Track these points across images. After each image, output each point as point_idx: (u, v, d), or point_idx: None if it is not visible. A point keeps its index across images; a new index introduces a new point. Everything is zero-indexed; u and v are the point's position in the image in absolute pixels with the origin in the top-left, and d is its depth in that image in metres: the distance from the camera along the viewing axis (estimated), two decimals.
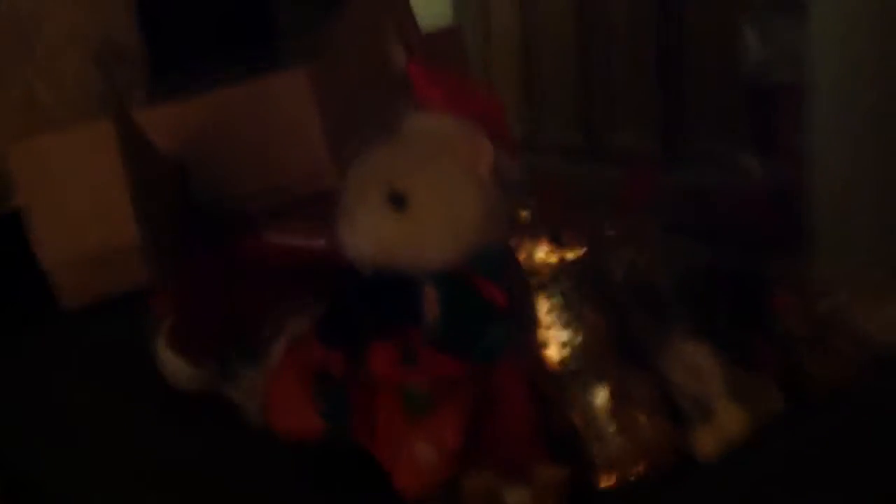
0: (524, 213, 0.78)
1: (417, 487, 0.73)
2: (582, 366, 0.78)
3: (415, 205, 0.76)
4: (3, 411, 1.00)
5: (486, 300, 0.76)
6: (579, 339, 0.78)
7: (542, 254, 0.77)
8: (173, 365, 0.94)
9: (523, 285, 0.78)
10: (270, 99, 1.15)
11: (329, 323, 0.80)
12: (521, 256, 0.78)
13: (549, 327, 0.78)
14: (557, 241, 0.77)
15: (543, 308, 0.78)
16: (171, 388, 0.95)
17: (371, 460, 0.78)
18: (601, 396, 0.78)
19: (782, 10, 1.81)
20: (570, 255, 0.77)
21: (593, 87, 2.59)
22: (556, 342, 0.78)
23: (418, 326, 0.76)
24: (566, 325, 0.78)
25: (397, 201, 0.76)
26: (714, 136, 2.19)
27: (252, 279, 0.95)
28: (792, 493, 0.77)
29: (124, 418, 0.96)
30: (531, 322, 0.78)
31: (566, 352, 0.78)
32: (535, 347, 0.78)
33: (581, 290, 0.78)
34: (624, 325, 0.80)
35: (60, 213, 1.11)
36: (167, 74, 1.20)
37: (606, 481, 0.77)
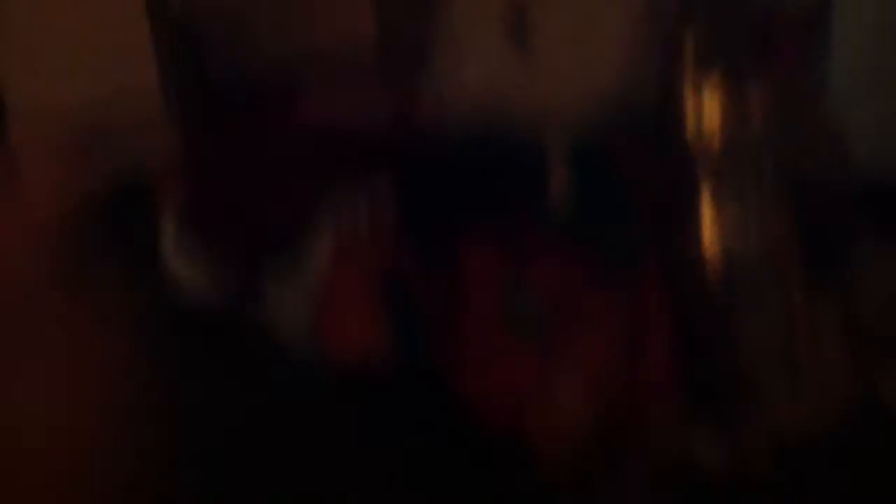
0: (689, 44, 0.58)
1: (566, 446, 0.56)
2: (757, 277, 0.59)
3: (542, 30, 0.60)
4: None
5: (631, 178, 0.58)
6: (759, 238, 0.58)
7: (715, 98, 0.57)
8: (187, 268, 0.76)
9: (685, 159, 0.58)
10: None
11: (406, 209, 0.63)
12: (686, 105, 0.58)
13: (717, 217, 0.59)
14: (736, 78, 0.57)
15: (710, 189, 0.58)
16: (182, 299, 0.76)
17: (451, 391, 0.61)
18: (777, 320, 0.59)
19: None
20: (755, 101, 0.57)
21: None
22: (725, 239, 0.59)
23: (532, 214, 0.59)
24: (738, 225, 0.58)
25: (519, 25, 0.60)
26: None
27: (287, 161, 0.77)
28: None
29: (123, 339, 0.76)
30: (691, 211, 0.58)
31: (738, 254, 0.59)
32: (692, 247, 0.59)
33: (764, 174, 0.58)
34: (807, 232, 0.60)
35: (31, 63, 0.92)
36: None
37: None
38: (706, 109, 0.57)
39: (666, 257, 0.60)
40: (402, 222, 0.63)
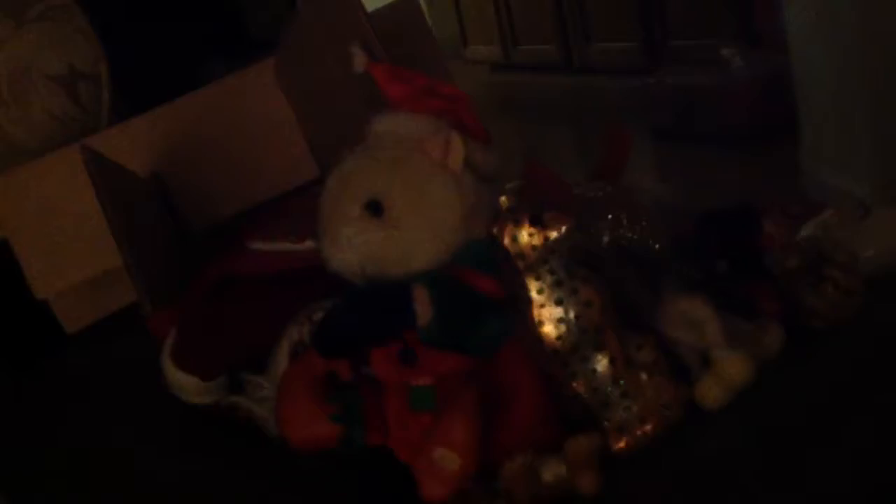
0: (504, 199, 0.78)
1: (445, 493, 0.74)
2: (580, 338, 0.78)
3: (393, 209, 0.76)
4: (21, 442, 1.02)
5: (478, 292, 0.77)
6: (573, 313, 0.78)
7: (526, 237, 0.78)
8: (181, 380, 0.94)
9: (512, 271, 0.78)
10: (239, 96, 1.14)
11: (324, 337, 0.80)
12: (506, 241, 0.78)
13: (542, 306, 0.78)
14: (539, 223, 0.77)
15: (534, 289, 0.78)
16: (183, 403, 0.95)
17: (389, 461, 0.79)
18: (602, 364, 0.78)
19: None
20: (553, 235, 0.77)
21: None
22: (551, 320, 0.78)
23: (414, 328, 0.76)
24: (559, 303, 0.78)
25: (375, 209, 0.76)
26: (694, 33, 2.13)
27: (247, 289, 0.95)
28: (802, 435, 0.77)
29: (139, 439, 0.98)
30: (525, 305, 0.78)
31: (563, 328, 0.78)
32: (532, 328, 0.78)
33: (570, 266, 0.78)
34: (617, 290, 0.80)
35: (47, 243, 1.11)
36: (135, 92, 1.19)
37: (618, 444, 0.78)
38: (521, 238, 0.78)
39: (517, 331, 0.80)
40: (327, 344, 0.79)
